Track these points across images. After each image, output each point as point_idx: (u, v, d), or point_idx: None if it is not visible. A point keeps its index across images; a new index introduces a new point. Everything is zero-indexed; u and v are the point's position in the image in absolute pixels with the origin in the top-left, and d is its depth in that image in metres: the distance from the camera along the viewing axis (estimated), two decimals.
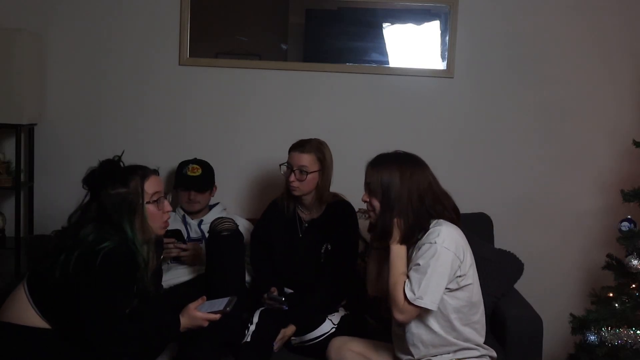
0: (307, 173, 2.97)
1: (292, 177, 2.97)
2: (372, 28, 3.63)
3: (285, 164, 3.02)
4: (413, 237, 2.42)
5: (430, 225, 2.42)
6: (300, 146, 3.00)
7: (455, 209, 2.51)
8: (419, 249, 2.38)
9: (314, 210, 3.08)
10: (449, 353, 2.44)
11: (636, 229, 3.01)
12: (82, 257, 2.29)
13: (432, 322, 2.42)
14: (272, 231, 3.11)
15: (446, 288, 2.37)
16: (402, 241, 2.43)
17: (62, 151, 3.59)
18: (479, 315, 2.49)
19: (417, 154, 2.57)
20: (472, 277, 2.44)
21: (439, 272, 2.33)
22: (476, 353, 2.46)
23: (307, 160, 2.98)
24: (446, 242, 2.35)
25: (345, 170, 3.56)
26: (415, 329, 2.44)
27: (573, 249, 3.70)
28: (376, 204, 2.45)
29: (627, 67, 3.62)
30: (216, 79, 3.60)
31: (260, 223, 3.19)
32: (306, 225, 3.08)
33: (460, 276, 2.39)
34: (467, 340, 2.44)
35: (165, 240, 3.11)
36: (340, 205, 3.06)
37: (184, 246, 3.16)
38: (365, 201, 2.50)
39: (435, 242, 2.35)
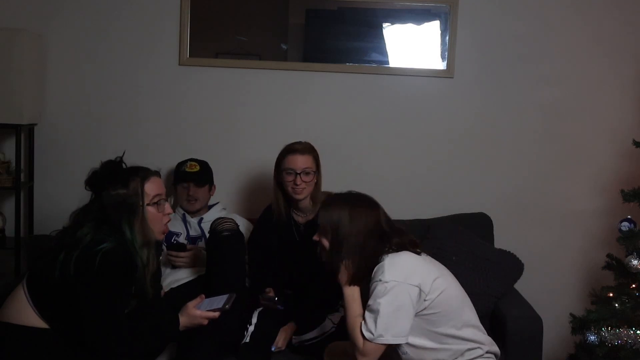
0: (314, 173, 2.98)
1: (299, 180, 2.97)
2: (372, 28, 3.63)
3: (285, 171, 3.00)
4: (364, 278, 2.40)
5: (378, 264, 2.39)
6: (297, 149, 3.00)
7: (412, 243, 2.46)
8: (371, 289, 2.36)
9: (310, 211, 3.08)
10: (456, 358, 2.42)
11: (636, 229, 3.01)
12: (81, 258, 2.29)
13: (426, 342, 2.40)
14: (268, 237, 3.11)
15: (421, 312, 2.35)
16: (351, 283, 2.41)
17: (62, 151, 3.59)
18: (468, 312, 2.47)
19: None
20: (441, 285, 2.39)
21: (395, 306, 2.30)
22: (479, 352, 2.43)
23: (309, 161, 2.99)
24: (392, 276, 2.31)
25: (345, 170, 3.57)
26: (414, 354, 2.42)
27: (573, 249, 3.70)
28: (326, 243, 2.44)
29: (628, 67, 3.62)
30: (216, 79, 3.60)
31: (256, 229, 3.19)
32: (302, 227, 3.08)
33: (427, 297, 2.34)
34: (470, 340, 2.42)
35: (168, 251, 3.12)
36: None
37: (182, 254, 3.14)
38: (315, 240, 2.48)
39: (380, 280, 2.32)
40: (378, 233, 2.41)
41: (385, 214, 2.49)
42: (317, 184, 3.05)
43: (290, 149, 3.02)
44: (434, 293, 2.35)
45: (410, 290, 2.32)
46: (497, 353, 2.52)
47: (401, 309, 2.31)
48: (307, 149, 3.02)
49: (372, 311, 2.33)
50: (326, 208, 2.46)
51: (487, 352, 2.46)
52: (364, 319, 2.36)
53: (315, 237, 2.48)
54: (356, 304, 2.41)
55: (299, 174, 2.97)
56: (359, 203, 2.45)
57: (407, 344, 2.39)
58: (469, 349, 2.42)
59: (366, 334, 2.32)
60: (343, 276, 2.42)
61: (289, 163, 3.00)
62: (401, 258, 2.38)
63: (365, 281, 2.41)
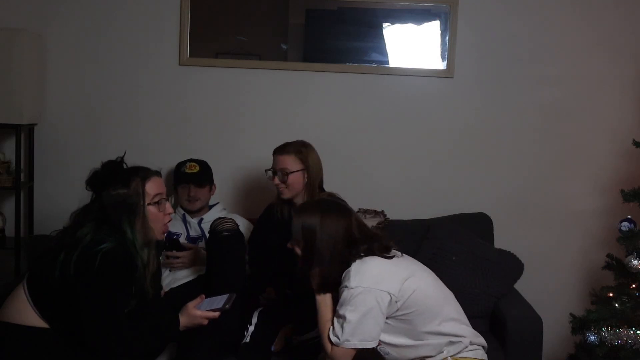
0: (288, 174, 2.97)
1: (276, 180, 2.98)
2: (372, 28, 3.63)
3: (270, 169, 3.03)
4: (334, 285, 2.42)
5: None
6: (281, 149, 3.02)
7: (383, 248, 2.46)
8: (339, 295, 2.39)
9: None
10: (441, 352, 2.42)
11: (636, 229, 3.01)
12: (81, 258, 2.29)
13: (406, 340, 2.41)
14: (268, 236, 3.11)
15: (395, 314, 2.37)
16: (323, 290, 2.44)
17: (62, 151, 3.59)
18: (447, 307, 2.47)
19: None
20: (412, 285, 2.39)
21: (361, 312, 2.32)
22: (462, 346, 2.43)
23: (287, 161, 2.99)
24: (357, 282, 2.34)
25: (345, 170, 3.57)
26: (396, 353, 2.44)
27: (573, 249, 3.70)
28: (299, 251, 2.46)
29: (628, 68, 3.62)
30: (216, 79, 3.60)
31: (257, 229, 3.20)
32: None
33: (397, 300, 2.36)
34: (450, 334, 2.42)
35: (165, 251, 3.11)
36: None
37: (179, 254, 3.13)
38: (289, 248, 2.50)
39: (347, 286, 2.35)
40: (348, 240, 2.42)
41: (358, 219, 2.51)
42: (310, 183, 3.02)
43: (276, 149, 3.05)
44: (405, 294, 2.37)
45: (378, 295, 2.34)
46: (482, 344, 2.51)
47: (368, 314, 2.33)
48: (290, 148, 3.02)
49: (339, 317, 2.37)
50: (298, 216, 2.48)
51: (471, 344, 2.45)
52: (332, 324, 2.39)
53: (289, 245, 2.50)
54: (328, 309, 2.44)
55: (277, 173, 2.98)
56: (330, 211, 2.46)
57: (388, 344, 2.42)
58: (451, 342, 2.42)
59: (333, 338, 2.36)
60: (315, 283, 2.44)
61: (272, 163, 3.03)
62: (368, 264, 2.40)
63: (336, 287, 2.43)
